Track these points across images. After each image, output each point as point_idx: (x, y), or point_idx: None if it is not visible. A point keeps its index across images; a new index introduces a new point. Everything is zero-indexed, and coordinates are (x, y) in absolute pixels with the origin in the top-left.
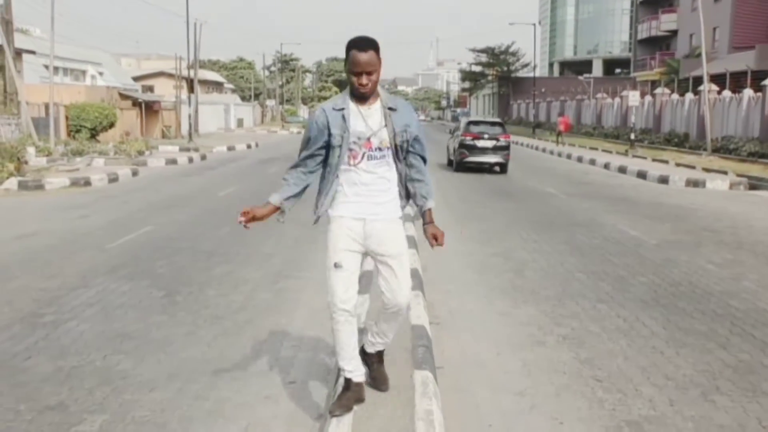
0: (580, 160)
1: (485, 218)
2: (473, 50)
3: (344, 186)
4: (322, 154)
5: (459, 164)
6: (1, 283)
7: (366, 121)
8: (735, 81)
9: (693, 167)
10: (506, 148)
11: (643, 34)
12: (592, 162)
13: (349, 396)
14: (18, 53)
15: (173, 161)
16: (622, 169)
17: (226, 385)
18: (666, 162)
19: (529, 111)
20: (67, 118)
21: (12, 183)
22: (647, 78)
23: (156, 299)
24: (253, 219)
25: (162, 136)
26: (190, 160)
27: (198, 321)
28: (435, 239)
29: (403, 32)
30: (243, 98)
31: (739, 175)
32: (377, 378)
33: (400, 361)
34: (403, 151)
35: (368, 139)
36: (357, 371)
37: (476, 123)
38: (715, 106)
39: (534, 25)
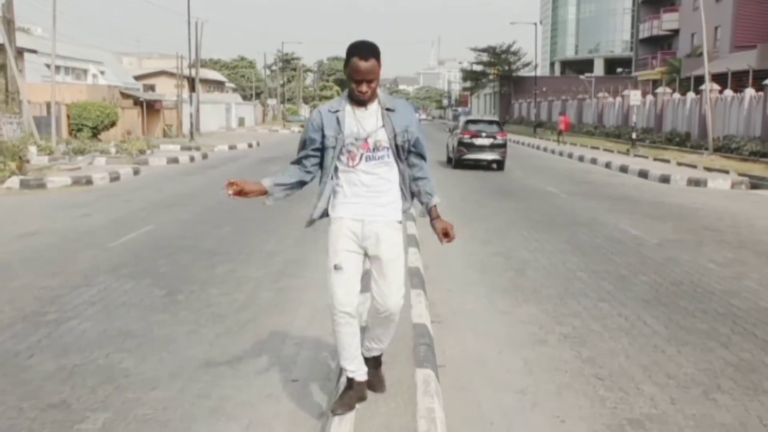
0: (581, 159)
1: (486, 217)
2: (474, 49)
3: (344, 187)
4: (318, 155)
5: (457, 161)
6: (4, 281)
7: (361, 122)
8: (737, 80)
9: (694, 167)
10: (503, 145)
11: (644, 33)
12: (594, 161)
13: (351, 395)
14: (20, 52)
15: (175, 160)
16: (624, 169)
17: (227, 383)
18: (667, 161)
19: (530, 110)
20: (68, 117)
21: (14, 182)
22: (649, 77)
23: (158, 298)
24: (240, 193)
25: (163, 135)
26: (192, 159)
27: (200, 320)
28: (446, 235)
29: (405, 31)
30: (244, 97)
31: (740, 175)
32: (373, 382)
33: (401, 359)
34: (404, 152)
35: (365, 140)
36: (359, 371)
37: (474, 122)
38: (717, 106)
39: (535, 24)
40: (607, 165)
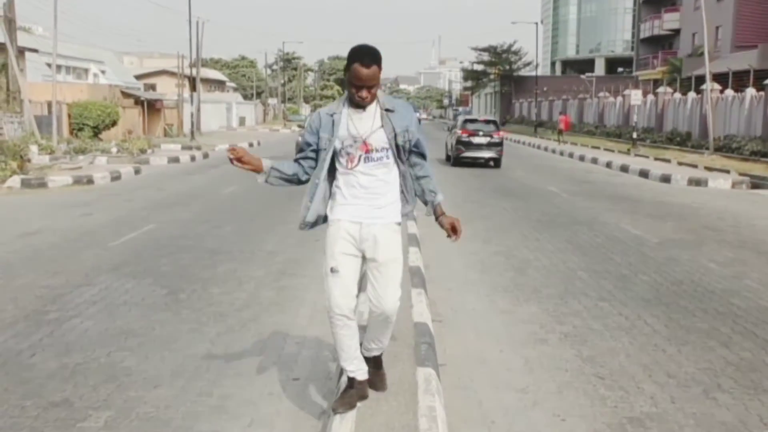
0: (582, 158)
1: (487, 216)
2: (475, 49)
3: (342, 189)
4: (314, 156)
5: (456, 159)
6: (6, 280)
7: (359, 124)
8: (737, 80)
9: (695, 166)
10: (499, 144)
11: (645, 33)
12: (594, 161)
13: (352, 393)
14: (21, 52)
15: (175, 159)
16: (624, 168)
17: (229, 382)
18: (668, 161)
19: (531, 110)
20: (69, 116)
21: (15, 181)
22: (650, 77)
23: (159, 297)
24: (239, 160)
25: (164, 134)
26: (193, 158)
27: (202, 318)
28: (453, 230)
29: (406, 31)
30: (245, 97)
31: (741, 174)
32: (374, 381)
33: (403, 358)
34: (405, 152)
35: (363, 141)
36: (359, 370)
37: (472, 121)
38: (718, 105)
39: (536, 23)
40: (608, 165)
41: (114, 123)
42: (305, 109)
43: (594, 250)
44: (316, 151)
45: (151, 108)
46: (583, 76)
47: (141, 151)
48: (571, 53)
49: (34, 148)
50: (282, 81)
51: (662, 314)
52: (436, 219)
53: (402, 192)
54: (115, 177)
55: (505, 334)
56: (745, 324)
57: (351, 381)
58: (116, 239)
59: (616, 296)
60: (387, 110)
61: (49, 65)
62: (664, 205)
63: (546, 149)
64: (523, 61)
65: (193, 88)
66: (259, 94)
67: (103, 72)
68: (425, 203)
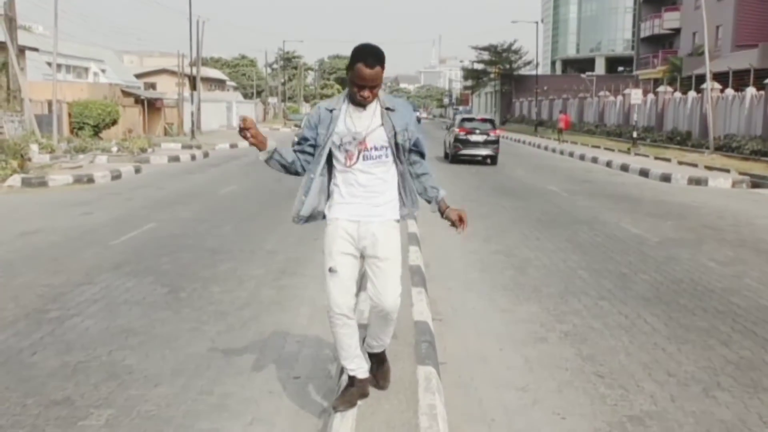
0: (582, 158)
1: (487, 216)
2: (476, 48)
3: (341, 187)
4: (311, 152)
5: (454, 157)
6: (6, 279)
7: (359, 121)
8: (738, 79)
9: (695, 165)
10: (495, 142)
11: (645, 32)
12: (595, 160)
13: (352, 392)
14: (21, 50)
15: (176, 158)
16: (625, 167)
17: (230, 380)
18: (668, 160)
19: (531, 109)
20: (69, 115)
21: (15, 180)
22: (650, 76)
23: (160, 295)
24: (250, 131)
25: (164, 133)
26: (193, 157)
27: (202, 317)
28: (461, 220)
29: (406, 30)
30: (245, 96)
31: (741, 174)
32: (377, 377)
33: (403, 356)
34: (405, 151)
35: (363, 139)
36: (360, 368)
37: (469, 120)
38: (718, 105)
39: (537, 23)
40: (608, 164)
41: (114, 122)
42: (305, 108)
43: (594, 249)
44: (314, 146)
45: (152, 107)
46: (583, 75)
47: (141, 150)
48: (571, 52)
49: (34, 147)
50: (282, 80)
51: (662, 313)
52: (443, 214)
53: (400, 194)
54: (116, 176)
55: (506, 332)
56: (745, 323)
57: (351, 379)
58: (117, 238)
59: (616, 295)
60: (387, 109)
61: (49, 64)
62: (664, 204)
63: (546, 148)
64: (524, 60)
65: (194, 87)
66: (259, 93)
67: (103, 71)
68: (428, 201)
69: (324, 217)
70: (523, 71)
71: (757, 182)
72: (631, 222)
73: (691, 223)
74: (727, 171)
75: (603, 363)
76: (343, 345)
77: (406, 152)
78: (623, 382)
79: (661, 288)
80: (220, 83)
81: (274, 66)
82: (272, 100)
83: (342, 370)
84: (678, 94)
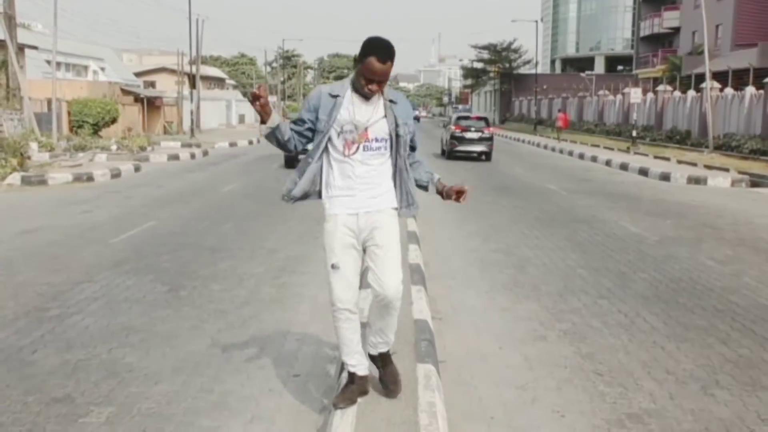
0: (581, 157)
1: (487, 214)
2: (475, 47)
3: (337, 177)
4: (309, 135)
5: (450, 153)
6: (7, 277)
7: (362, 111)
8: (737, 78)
9: (695, 164)
10: (490, 139)
11: (645, 31)
12: (594, 159)
13: (353, 389)
14: (21, 49)
15: (175, 157)
16: (624, 166)
17: (230, 378)
18: (668, 159)
19: (531, 108)
20: (69, 113)
21: (15, 178)
22: (649, 75)
23: (160, 293)
24: (261, 100)
25: (164, 131)
26: (192, 156)
27: (202, 315)
28: (461, 192)
29: (405, 28)
30: (244, 94)
31: (740, 173)
32: (385, 380)
33: (403, 354)
34: (405, 145)
35: (365, 129)
36: (360, 365)
37: (464, 118)
38: (717, 104)
39: (536, 21)
40: (608, 163)
41: (114, 120)
42: None
43: (593, 248)
44: (311, 130)
45: (151, 105)
46: (582, 74)
47: (141, 149)
48: (570, 51)
49: (34, 146)
50: (282, 78)
51: (661, 311)
52: (443, 195)
53: (397, 191)
54: (115, 174)
55: (505, 331)
56: (744, 321)
57: (351, 376)
58: (117, 236)
59: (615, 294)
60: (391, 101)
61: (48, 62)
62: (663, 203)
63: (545, 147)
64: (523, 59)
65: (193, 85)
66: None
67: (102, 69)
68: (424, 187)
69: (320, 196)
70: (523, 70)
71: (756, 181)
72: (630, 221)
73: (690, 222)
74: (727, 170)
75: (602, 361)
76: (345, 340)
77: (407, 147)
78: (622, 380)
79: (660, 287)
80: (219, 82)
81: (274, 64)
82: (272, 98)
83: (342, 368)
84: (677, 93)
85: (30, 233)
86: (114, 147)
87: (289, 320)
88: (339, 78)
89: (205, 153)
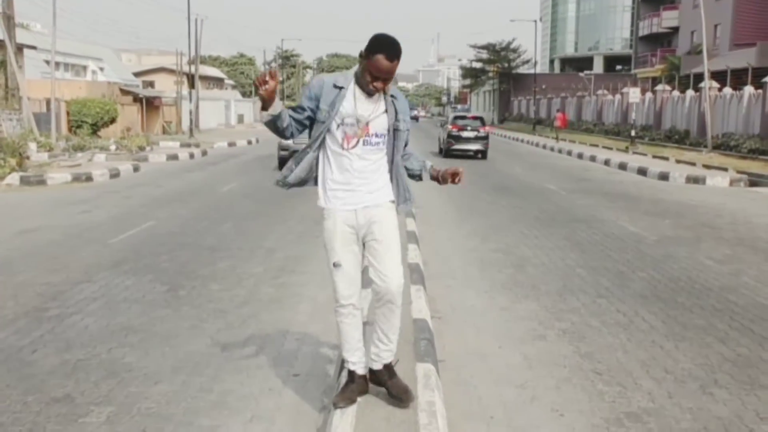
0: (580, 156)
1: (486, 214)
2: (474, 46)
3: (334, 171)
4: (306, 123)
5: (447, 151)
6: (6, 277)
7: (361, 105)
8: (736, 78)
9: (693, 164)
10: (485, 138)
11: (644, 30)
12: (593, 159)
13: (352, 388)
14: (19, 48)
15: (174, 157)
16: (623, 166)
17: (229, 377)
18: (666, 159)
19: (529, 108)
20: (68, 113)
21: (14, 178)
22: (648, 75)
23: (160, 293)
24: (269, 85)
25: (163, 131)
26: (191, 155)
27: (202, 315)
28: (456, 174)
29: (404, 28)
30: (243, 94)
31: (739, 172)
32: (395, 392)
33: (402, 354)
34: (403, 141)
35: (367, 124)
36: (360, 363)
37: (461, 117)
38: (716, 103)
39: (535, 21)
40: (606, 162)
41: (113, 120)
42: None
43: (592, 248)
44: (311, 119)
45: (150, 105)
46: (581, 74)
47: (140, 149)
48: (569, 51)
49: (32, 146)
50: (280, 78)
51: (660, 311)
52: (439, 180)
53: (393, 186)
54: (114, 174)
55: (504, 330)
56: (742, 320)
57: (351, 375)
58: (116, 236)
59: (614, 293)
60: (392, 96)
61: (47, 62)
62: (662, 203)
63: (544, 147)
64: (522, 58)
65: (192, 85)
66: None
67: (101, 69)
68: (418, 176)
69: (316, 183)
70: (522, 70)
71: (754, 181)
72: (629, 220)
73: (689, 222)
74: (725, 169)
75: (601, 360)
76: (347, 336)
77: (405, 143)
78: (621, 379)
79: (658, 286)
80: (218, 82)
81: (273, 64)
82: None
83: (342, 367)
84: (676, 93)
85: (29, 233)
86: (113, 147)
87: (289, 320)
88: None
89: (204, 153)
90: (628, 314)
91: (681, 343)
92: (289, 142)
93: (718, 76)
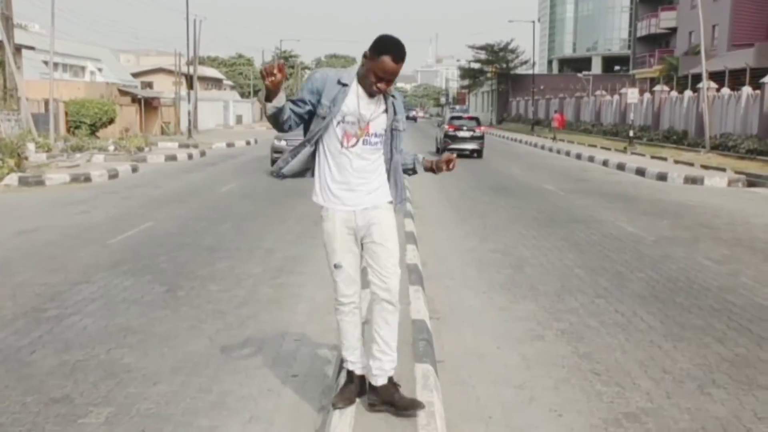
0: (579, 157)
1: (484, 214)
2: (472, 47)
3: (333, 170)
4: (306, 119)
5: (443, 150)
6: (4, 278)
7: (364, 104)
8: (734, 78)
9: (691, 164)
10: (481, 137)
11: (642, 31)
12: (591, 159)
13: (351, 389)
14: (18, 49)
15: (173, 157)
16: (621, 166)
17: (228, 378)
18: (664, 159)
19: (528, 108)
20: (66, 114)
21: (12, 179)
22: (646, 75)
23: (158, 294)
24: (277, 77)
25: (161, 132)
26: (190, 156)
27: (200, 315)
28: (449, 161)
29: (403, 29)
30: (242, 95)
31: (737, 172)
32: (402, 406)
33: (401, 354)
34: (400, 140)
35: (368, 123)
36: (359, 363)
37: (457, 118)
38: (714, 104)
39: (533, 22)
40: (605, 163)
41: (111, 121)
42: None
43: (590, 248)
44: (311, 113)
45: (148, 106)
46: (580, 75)
47: (138, 149)
48: (568, 52)
49: (31, 146)
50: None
51: (658, 311)
52: (434, 170)
53: (390, 185)
54: (113, 175)
55: (503, 330)
56: (740, 320)
57: (350, 376)
58: (114, 237)
59: (613, 293)
60: (392, 96)
61: (46, 63)
62: (660, 203)
63: (543, 147)
64: (520, 59)
65: (190, 86)
66: (256, 92)
67: (100, 70)
68: (412, 170)
69: (312, 174)
70: (520, 70)
71: (752, 181)
72: (628, 221)
73: (687, 222)
74: (723, 170)
75: (599, 360)
76: (347, 335)
77: (401, 142)
78: (619, 380)
79: (657, 286)
80: (216, 82)
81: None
82: None
83: (340, 368)
84: (674, 94)
85: (27, 234)
86: (111, 147)
87: (287, 320)
88: None
89: (203, 153)
90: (626, 314)
91: (679, 343)
92: (283, 143)
93: (716, 77)
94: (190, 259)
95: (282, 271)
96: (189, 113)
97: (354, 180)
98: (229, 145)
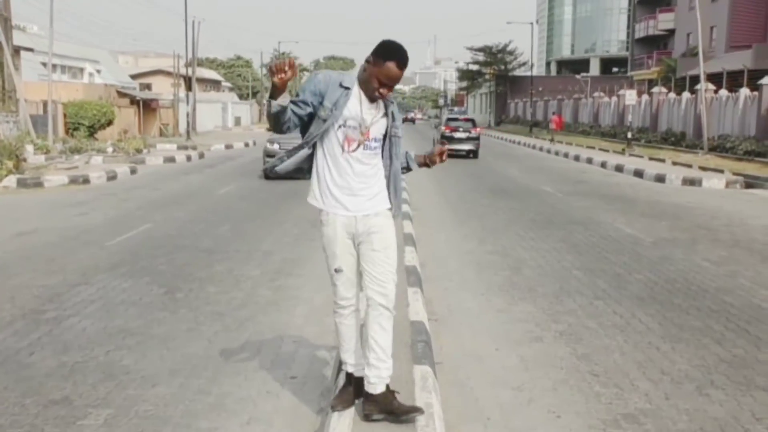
0: (577, 158)
1: (483, 216)
2: (471, 49)
3: (333, 174)
4: (306, 121)
5: None
6: (3, 279)
7: (365, 108)
8: (732, 80)
9: (689, 166)
10: (476, 138)
11: (640, 33)
12: (589, 161)
13: (350, 391)
14: (16, 51)
15: (171, 159)
16: (619, 168)
17: (227, 380)
18: (663, 161)
19: (526, 110)
20: (65, 115)
21: (11, 180)
22: (644, 77)
23: (157, 296)
24: (287, 75)
25: (160, 134)
26: (188, 158)
27: (199, 317)
28: (441, 153)
29: (401, 31)
30: (240, 96)
31: (735, 174)
32: (404, 411)
33: (399, 356)
34: (400, 146)
35: (368, 128)
36: (358, 365)
37: (454, 119)
38: (712, 105)
39: (531, 24)
40: (603, 164)
41: (110, 122)
42: None
43: (589, 250)
44: (311, 115)
45: (147, 108)
46: (578, 76)
47: (137, 151)
48: (566, 53)
49: (29, 148)
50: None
51: (656, 312)
52: (428, 164)
53: (391, 190)
54: (111, 177)
55: (501, 332)
56: (738, 321)
57: (349, 378)
58: (113, 238)
59: (611, 295)
60: (391, 102)
61: (44, 64)
62: (658, 205)
63: (541, 149)
64: (519, 61)
65: (189, 87)
66: (254, 94)
67: (98, 71)
68: (407, 169)
69: (308, 176)
70: (518, 72)
71: (750, 182)
72: (626, 222)
73: (685, 224)
74: (721, 171)
75: (598, 362)
76: (346, 337)
77: (400, 148)
78: (618, 381)
79: (655, 288)
80: (215, 84)
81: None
82: None
83: (339, 370)
84: (672, 95)
85: (26, 235)
86: (110, 149)
87: (286, 322)
88: None
89: (201, 155)
90: (624, 316)
91: (677, 344)
92: (276, 147)
93: (714, 78)
94: (188, 261)
95: (280, 273)
96: (187, 115)
97: (355, 184)
98: (228, 146)
